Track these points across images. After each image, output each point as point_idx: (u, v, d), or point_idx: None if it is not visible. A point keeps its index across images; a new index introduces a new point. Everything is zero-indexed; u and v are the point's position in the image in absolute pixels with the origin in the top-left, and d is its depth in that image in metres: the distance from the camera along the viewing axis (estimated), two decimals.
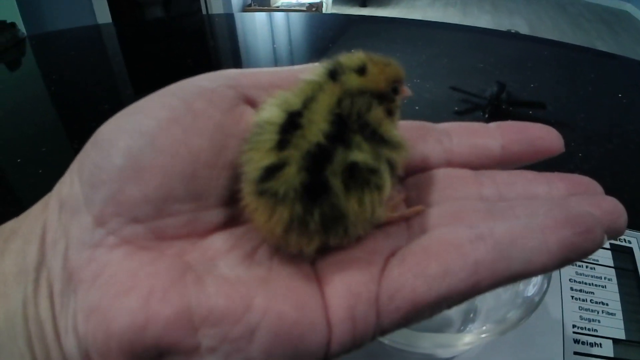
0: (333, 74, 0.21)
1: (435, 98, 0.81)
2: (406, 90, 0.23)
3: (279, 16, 1.24)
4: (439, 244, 0.18)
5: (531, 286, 0.33)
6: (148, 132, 0.19)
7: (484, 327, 0.31)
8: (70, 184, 0.20)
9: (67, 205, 0.20)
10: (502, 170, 0.24)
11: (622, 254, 0.49)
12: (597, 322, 0.42)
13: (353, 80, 0.21)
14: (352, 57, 0.22)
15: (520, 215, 0.20)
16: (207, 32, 1.26)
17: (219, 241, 0.20)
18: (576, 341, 0.40)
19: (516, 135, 0.24)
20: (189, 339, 0.17)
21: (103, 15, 2.17)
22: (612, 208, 0.20)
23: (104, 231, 0.19)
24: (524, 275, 0.18)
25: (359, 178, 0.18)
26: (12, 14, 1.88)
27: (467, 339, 0.30)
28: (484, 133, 0.25)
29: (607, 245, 0.49)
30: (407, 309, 0.17)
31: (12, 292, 0.19)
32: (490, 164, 0.24)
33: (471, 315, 0.38)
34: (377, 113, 0.20)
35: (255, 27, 1.25)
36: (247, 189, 0.19)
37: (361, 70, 0.21)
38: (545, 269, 0.18)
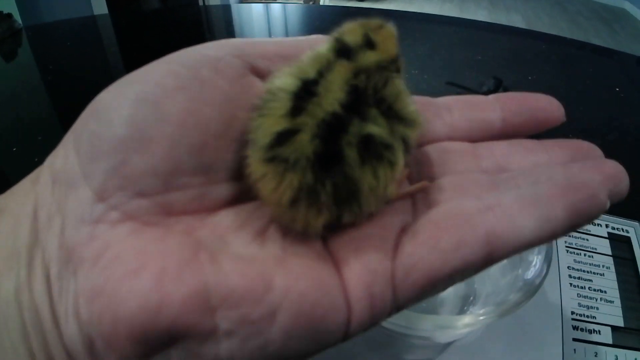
0: (343, 53, 0.20)
1: (432, 91, 0.81)
2: None
3: (275, 8, 1.23)
4: (449, 217, 0.18)
5: (531, 270, 0.33)
6: (153, 100, 0.18)
7: (484, 309, 0.30)
8: (64, 157, 0.18)
9: (61, 179, 0.18)
10: (501, 141, 0.24)
11: (620, 243, 0.49)
12: (595, 310, 0.42)
13: (370, 57, 0.20)
14: (352, 33, 0.21)
15: (523, 185, 0.20)
16: (203, 24, 1.25)
17: (228, 217, 0.19)
18: (575, 328, 0.41)
19: (516, 107, 0.24)
20: (206, 321, 0.16)
21: (99, 6, 2.15)
22: (614, 172, 0.20)
23: (106, 206, 0.17)
24: (534, 243, 0.18)
25: (374, 152, 0.18)
26: (9, 5, 1.86)
27: (467, 320, 0.30)
28: (485, 106, 0.25)
29: (605, 234, 0.49)
30: (422, 284, 0.17)
31: (3, 278, 0.18)
32: (491, 137, 0.24)
33: (471, 298, 0.38)
34: (393, 88, 0.19)
35: (252, 18, 1.25)
36: (255, 156, 0.18)
37: (370, 44, 0.20)
38: (554, 236, 0.18)
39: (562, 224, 0.18)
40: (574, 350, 0.39)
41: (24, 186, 0.20)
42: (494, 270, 0.37)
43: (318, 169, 0.17)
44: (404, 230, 0.19)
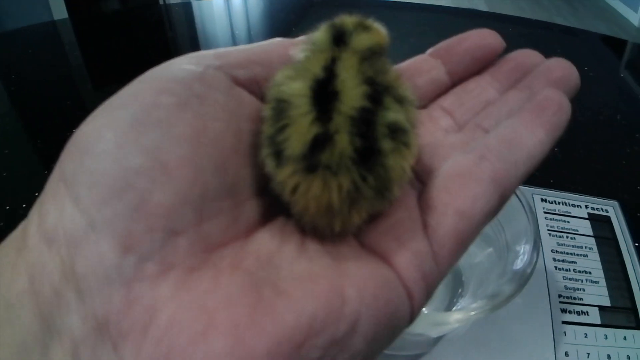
0: (340, 36, 0.19)
1: None
2: None
3: (236, 2, 1.22)
4: (453, 180, 0.19)
5: (519, 259, 0.33)
6: (158, 121, 0.16)
7: (477, 304, 0.30)
8: (58, 210, 0.15)
9: (60, 238, 0.15)
10: (446, 95, 0.25)
11: (600, 223, 0.49)
12: (582, 291, 0.43)
13: (365, 39, 0.19)
14: (347, 19, 0.20)
15: (489, 128, 0.22)
16: (165, 23, 1.23)
17: (265, 238, 0.17)
18: (563, 311, 0.41)
19: (456, 56, 0.24)
20: None
21: (59, 10, 2.10)
22: (563, 71, 0.22)
23: (136, 257, 0.14)
24: (530, 171, 0.19)
25: (399, 138, 0.17)
26: None
27: (460, 316, 0.30)
28: (427, 67, 0.24)
29: (585, 215, 0.50)
30: (457, 249, 0.18)
31: None
32: (444, 93, 0.25)
33: (459, 291, 0.38)
34: (393, 73, 0.19)
35: (214, 14, 1.23)
36: (288, 169, 0.17)
37: (365, 27, 0.19)
38: (542, 156, 0.20)
39: (546, 142, 0.20)
40: (564, 333, 0.39)
41: (6, 257, 0.16)
42: (482, 261, 0.37)
43: (361, 166, 0.17)
44: (420, 205, 0.19)
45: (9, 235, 0.16)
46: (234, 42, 1.03)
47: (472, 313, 0.30)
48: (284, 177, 0.17)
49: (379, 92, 0.17)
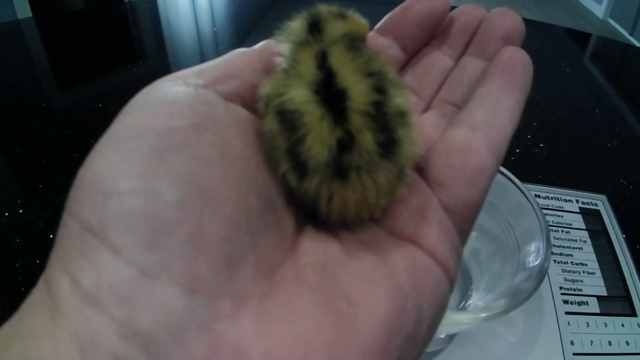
0: (315, 25, 0.19)
1: None
2: None
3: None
4: (453, 155, 0.19)
5: (533, 256, 0.34)
6: (182, 145, 0.15)
7: (499, 302, 0.31)
8: (93, 264, 0.13)
9: (106, 296, 0.13)
10: (404, 72, 0.25)
11: (590, 217, 0.52)
12: (580, 283, 0.45)
13: (339, 27, 0.19)
14: (324, 8, 0.20)
15: (457, 101, 0.23)
16: (130, 20, 1.21)
17: (308, 247, 0.17)
18: (565, 302, 0.43)
19: (405, 30, 0.24)
20: None
21: (22, 9, 2.03)
22: (508, 25, 0.23)
23: (206, 297, 0.13)
24: (514, 128, 0.20)
25: (405, 121, 0.17)
26: None
27: (482, 315, 0.31)
28: (383, 46, 0.24)
29: (576, 209, 0.52)
30: (474, 218, 0.19)
31: None
32: (401, 70, 0.25)
33: (470, 287, 0.40)
34: (380, 59, 0.19)
35: (179, 11, 1.22)
36: (317, 177, 0.16)
37: (342, 16, 0.20)
38: (520, 115, 0.20)
39: (520, 101, 0.20)
40: (568, 323, 0.41)
41: (39, 325, 0.13)
42: (492, 259, 0.39)
43: (385, 159, 0.17)
44: (428, 184, 0.19)
45: (29, 300, 0.14)
46: (200, 38, 1.02)
47: (494, 312, 0.31)
48: (314, 187, 0.17)
49: (381, 80, 0.17)
